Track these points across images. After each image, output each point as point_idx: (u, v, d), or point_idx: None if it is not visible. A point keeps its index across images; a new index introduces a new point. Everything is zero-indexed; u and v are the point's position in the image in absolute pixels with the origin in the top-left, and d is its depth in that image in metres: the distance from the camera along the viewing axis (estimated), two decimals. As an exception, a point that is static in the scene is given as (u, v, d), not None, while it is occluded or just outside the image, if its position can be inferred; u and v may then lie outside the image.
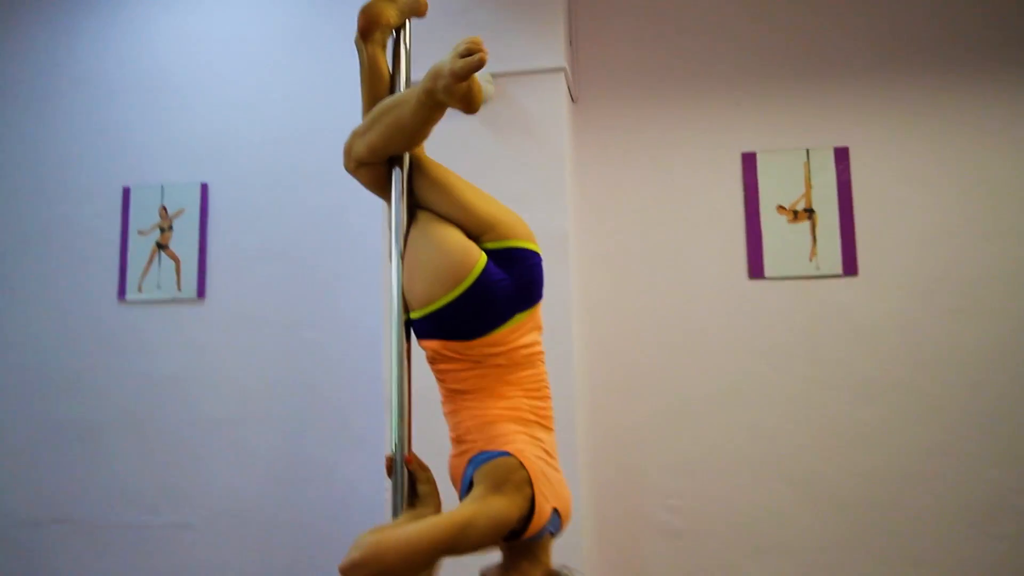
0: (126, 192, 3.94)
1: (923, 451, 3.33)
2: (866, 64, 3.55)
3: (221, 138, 3.91)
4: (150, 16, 4.06)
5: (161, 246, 3.87)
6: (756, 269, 3.50)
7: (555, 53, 3.29)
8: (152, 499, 3.74)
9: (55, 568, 3.77)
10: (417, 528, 1.47)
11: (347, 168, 1.85)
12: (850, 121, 3.53)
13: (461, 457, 1.69)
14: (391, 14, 1.89)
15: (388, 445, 1.72)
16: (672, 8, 3.71)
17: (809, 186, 3.51)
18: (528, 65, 3.28)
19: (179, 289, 3.83)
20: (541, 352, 1.75)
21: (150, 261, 3.86)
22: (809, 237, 3.48)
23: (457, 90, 1.61)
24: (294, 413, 3.68)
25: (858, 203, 3.47)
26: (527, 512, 1.56)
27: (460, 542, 1.47)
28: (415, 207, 1.79)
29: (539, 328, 1.76)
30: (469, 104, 1.66)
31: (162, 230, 3.88)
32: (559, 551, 1.70)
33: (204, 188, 3.89)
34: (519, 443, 1.61)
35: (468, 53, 1.57)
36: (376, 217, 3.54)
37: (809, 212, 3.49)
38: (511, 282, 1.67)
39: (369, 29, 1.87)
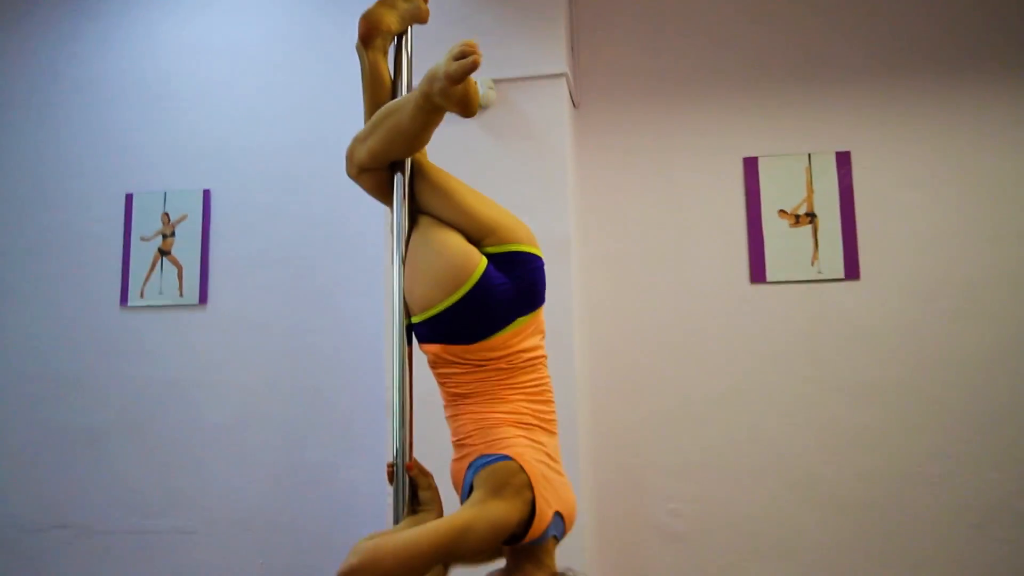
0: (128, 198, 3.95)
1: (924, 454, 3.32)
2: (867, 68, 3.56)
3: (223, 145, 3.92)
4: (152, 23, 4.08)
5: (163, 252, 3.87)
6: (758, 273, 3.50)
7: (557, 59, 3.30)
8: (154, 504, 3.74)
9: (57, 573, 3.77)
10: (415, 533, 1.47)
11: (349, 174, 1.86)
12: (852, 125, 3.54)
13: (462, 461, 1.69)
14: (392, 20, 1.89)
15: (390, 450, 1.72)
16: (673, 13, 3.72)
17: (811, 190, 3.51)
18: (530, 71, 3.29)
19: (181, 295, 3.84)
20: (544, 356, 1.75)
21: (152, 267, 3.87)
22: (811, 241, 3.48)
23: (453, 93, 1.61)
24: (296, 418, 3.68)
25: (860, 207, 3.48)
26: (527, 516, 1.56)
27: (458, 546, 1.47)
28: (416, 212, 1.79)
29: (542, 332, 1.76)
30: (466, 107, 1.66)
31: (164, 236, 3.89)
32: (560, 554, 1.70)
33: (206, 194, 3.89)
34: (519, 447, 1.61)
35: (462, 55, 1.57)
36: (377, 222, 3.55)
37: (811, 216, 3.49)
38: (512, 286, 1.67)
39: (370, 35, 1.87)
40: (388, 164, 1.80)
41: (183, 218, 3.89)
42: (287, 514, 3.63)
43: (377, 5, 1.90)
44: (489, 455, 1.60)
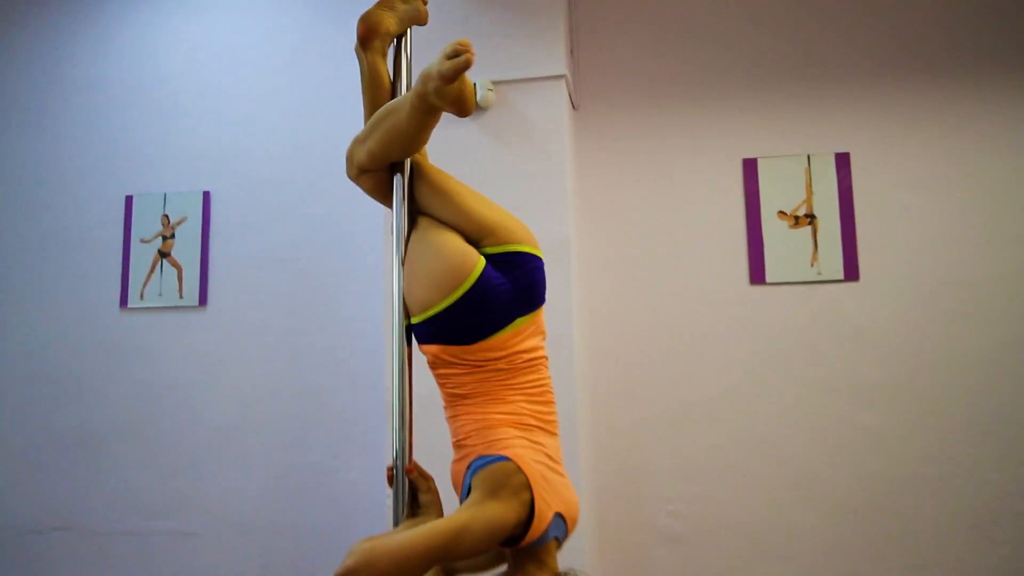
0: (128, 200, 3.95)
1: (925, 455, 3.32)
2: (867, 69, 3.56)
3: (223, 147, 3.92)
4: (152, 26, 4.08)
5: (163, 254, 3.88)
6: (757, 274, 3.50)
7: (556, 61, 3.30)
8: (154, 506, 3.74)
9: (57, 575, 3.78)
10: (411, 534, 1.47)
11: (349, 175, 1.86)
12: (851, 126, 3.54)
13: (461, 462, 1.69)
14: (390, 22, 1.89)
15: (390, 452, 1.72)
16: (672, 15, 3.72)
17: (810, 191, 3.51)
18: (529, 73, 3.29)
19: (181, 297, 3.84)
20: (544, 357, 1.75)
21: (152, 269, 3.87)
22: (810, 242, 3.48)
23: (447, 92, 1.61)
24: (296, 420, 3.69)
25: (859, 208, 3.48)
26: (526, 517, 1.56)
27: (454, 547, 1.47)
28: (416, 213, 1.79)
29: (542, 333, 1.76)
30: (461, 106, 1.67)
31: (164, 238, 3.89)
32: (560, 555, 1.69)
33: (206, 196, 3.90)
34: (517, 447, 1.61)
35: (455, 54, 1.57)
36: (376, 224, 3.55)
37: (810, 217, 3.50)
38: (510, 286, 1.67)
39: (368, 37, 1.87)
40: (387, 165, 1.80)
41: (183, 220, 3.89)
42: (287, 516, 3.63)
43: (375, 7, 1.90)
44: (487, 456, 1.60)
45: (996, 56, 3.49)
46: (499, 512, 1.52)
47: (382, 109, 1.76)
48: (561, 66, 3.29)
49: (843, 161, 3.50)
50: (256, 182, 3.87)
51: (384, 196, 1.84)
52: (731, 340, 3.49)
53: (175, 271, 3.85)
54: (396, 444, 1.69)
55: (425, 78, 1.62)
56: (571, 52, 3.56)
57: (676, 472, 3.46)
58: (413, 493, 1.69)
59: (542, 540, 1.60)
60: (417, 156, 1.82)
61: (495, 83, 3.27)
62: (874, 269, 3.43)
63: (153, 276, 3.87)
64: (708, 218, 3.58)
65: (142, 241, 3.90)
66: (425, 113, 1.66)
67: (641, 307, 3.57)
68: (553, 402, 1.74)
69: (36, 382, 3.91)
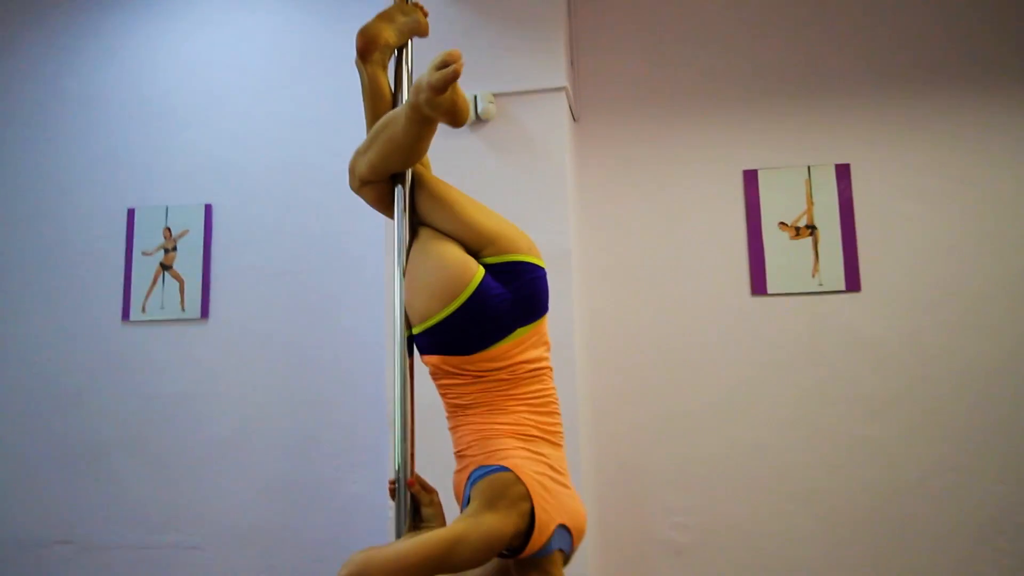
0: (130, 213, 3.96)
1: (927, 465, 3.31)
2: (867, 80, 3.57)
3: (224, 160, 3.93)
4: (154, 39, 4.10)
5: (165, 267, 3.88)
6: (759, 285, 3.50)
7: (556, 73, 3.31)
8: (157, 519, 3.74)
9: (59, 590, 3.77)
10: (407, 545, 1.47)
11: (352, 187, 1.87)
12: (851, 138, 3.54)
13: (462, 472, 1.68)
14: (390, 35, 1.90)
15: (392, 463, 1.71)
16: (672, 27, 3.73)
17: (811, 202, 3.52)
18: (530, 85, 3.30)
19: (183, 309, 3.84)
20: (548, 368, 1.75)
21: (154, 282, 3.88)
22: (811, 253, 3.48)
23: (440, 103, 1.62)
24: (298, 431, 3.68)
25: (860, 219, 3.48)
26: (525, 528, 1.55)
27: (450, 558, 1.46)
28: (418, 224, 1.80)
29: (546, 343, 1.75)
30: (455, 117, 1.67)
31: (166, 251, 3.90)
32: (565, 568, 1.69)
33: (208, 209, 3.91)
34: (517, 458, 1.60)
35: (444, 65, 1.58)
36: (377, 236, 3.56)
37: (811, 228, 3.50)
38: (511, 296, 1.67)
39: (368, 50, 1.88)
40: (389, 176, 1.81)
41: (185, 233, 3.90)
42: (290, 528, 3.62)
43: (375, 19, 1.90)
44: (487, 466, 1.60)
45: (996, 66, 3.50)
46: (496, 523, 1.51)
47: (380, 121, 1.77)
48: (561, 78, 3.31)
49: (843, 172, 3.51)
50: (258, 195, 3.88)
51: (386, 207, 1.84)
52: (732, 351, 3.49)
53: (177, 284, 3.86)
54: (398, 456, 1.69)
55: (417, 89, 1.62)
56: (571, 64, 3.58)
57: (678, 482, 3.45)
58: (415, 506, 1.69)
59: (545, 551, 1.60)
60: (419, 167, 1.83)
61: (496, 95, 3.28)
62: (875, 280, 3.43)
63: (155, 289, 3.87)
64: (709, 229, 3.58)
65: (144, 254, 3.91)
66: (419, 124, 1.67)
67: (642, 318, 3.57)
68: (558, 412, 1.73)
69: (38, 395, 3.91)
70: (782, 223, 3.52)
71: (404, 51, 1.95)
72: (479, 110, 3.24)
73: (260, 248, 3.84)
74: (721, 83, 3.67)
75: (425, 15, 1.98)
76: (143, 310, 3.87)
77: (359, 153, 1.81)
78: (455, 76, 1.57)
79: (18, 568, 3.80)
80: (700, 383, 3.49)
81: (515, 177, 3.24)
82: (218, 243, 3.89)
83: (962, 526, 3.27)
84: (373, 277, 3.64)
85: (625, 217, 3.65)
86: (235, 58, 4.02)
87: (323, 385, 3.69)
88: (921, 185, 3.47)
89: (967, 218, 3.43)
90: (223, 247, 3.88)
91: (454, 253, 1.69)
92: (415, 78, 1.93)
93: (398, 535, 1.65)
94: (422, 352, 1.73)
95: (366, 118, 1.91)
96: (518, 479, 1.56)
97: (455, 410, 1.71)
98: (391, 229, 1.81)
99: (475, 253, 1.71)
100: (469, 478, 1.63)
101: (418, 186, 1.80)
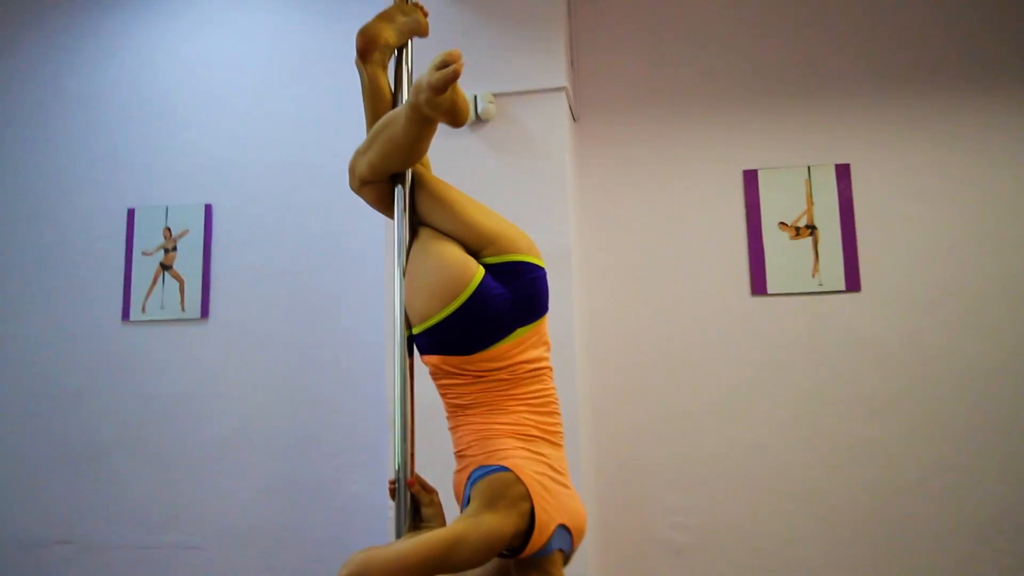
0: (131, 213, 3.96)
1: (927, 465, 3.31)
2: (867, 80, 3.57)
3: (224, 160, 3.94)
4: (154, 39, 4.10)
5: (165, 267, 3.88)
6: (759, 285, 3.50)
7: (556, 73, 3.31)
8: (157, 519, 3.74)
9: (59, 590, 3.77)
10: (406, 545, 1.47)
11: (352, 187, 1.87)
12: (851, 138, 3.55)
13: (462, 473, 1.69)
14: (389, 35, 1.90)
15: (392, 463, 1.72)
16: (673, 27, 3.73)
17: (811, 203, 3.52)
18: (530, 85, 3.30)
19: (183, 309, 3.84)
20: (548, 368, 1.75)
21: (154, 282, 3.88)
22: (811, 253, 3.48)
23: (439, 103, 1.62)
24: (299, 431, 3.68)
25: (860, 219, 3.48)
26: (525, 528, 1.55)
27: (450, 558, 1.46)
28: (418, 224, 1.80)
29: (546, 344, 1.75)
30: (454, 117, 1.67)
31: (166, 251, 3.90)
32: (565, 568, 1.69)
33: (208, 209, 3.91)
34: (516, 458, 1.60)
35: (444, 65, 1.58)
36: (377, 236, 3.56)
37: (811, 228, 3.50)
38: (510, 296, 1.67)
39: (367, 50, 1.88)
40: (389, 176, 1.81)
41: (185, 233, 3.90)
42: (290, 528, 3.62)
43: (374, 19, 1.91)
44: (486, 466, 1.60)
45: (996, 66, 3.50)
46: (495, 523, 1.51)
47: (380, 121, 1.77)
48: (561, 78, 3.31)
49: (843, 172, 3.51)
50: (258, 195, 3.88)
51: (387, 207, 1.84)
52: (732, 351, 3.49)
53: (177, 284, 3.86)
54: (398, 456, 1.69)
55: (417, 89, 1.63)
56: (571, 64, 3.58)
57: (678, 482, 3.45)
58: (415, 506, 1.69)
59: (545, 551, 1.60)
60: (419, 167, 1.83)
61: (496, 95, 3.28)
62: (875, 279, 3.43)
63: (155, 289, 3.87)
64: (709, 229, 3.58)
65: (144, 254, 3.91)
66: (419, 124, 1.67)
67: (642, 318, 3.57)
68: (558, 413, 1.73)
69: (38, 395, 3.91)
70: (782, 223, 3.52)
71: (404, 51, 1.95)
72: (479, 110, 3.24)
73: (260, 248, 3.84)
74: (721, 83, 3.67)
75: (425, 15, 1.98)
76: (143, 310, 3.87)
77: (359, 153, 1.81)
78: (455, 76, 1.57)
79: (18, 568, 3.80)
80: (700, 383, 3.49)
81: (515, 177, 3.24)
82: (218, 243, 3.89)
83: (962, 526, 3.27)
84: (373, 277, 3.64)
85: (625, 217, 3.65)
86: (235, 58, 4.02)
87: (323, 385, 3.69)
88: (921, 185, 3.48)
89: (967, 218, 3.43)
90: (223, 247, 3.88)
91: (454, 253, 1.69)
92: (415, 78, 1.94)
93: (398, 535, 1.65)
94: (422, 352, 1.73)
95: (366, 118, 1.91)
96: (518, 479, 1.56)
97: (455, 410, 1.71)
98: (391, 229, 1.81)
99: (475, 253, 1.71)
100: (469, 478, 1.63)
101: (418, 186, 1.80)
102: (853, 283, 3.44)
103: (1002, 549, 3.24)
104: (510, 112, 3.29)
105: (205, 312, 3.83)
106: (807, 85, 3.61)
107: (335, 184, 3.42)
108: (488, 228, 1.73)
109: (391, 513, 1.77)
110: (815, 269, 3.47)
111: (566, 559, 1.67)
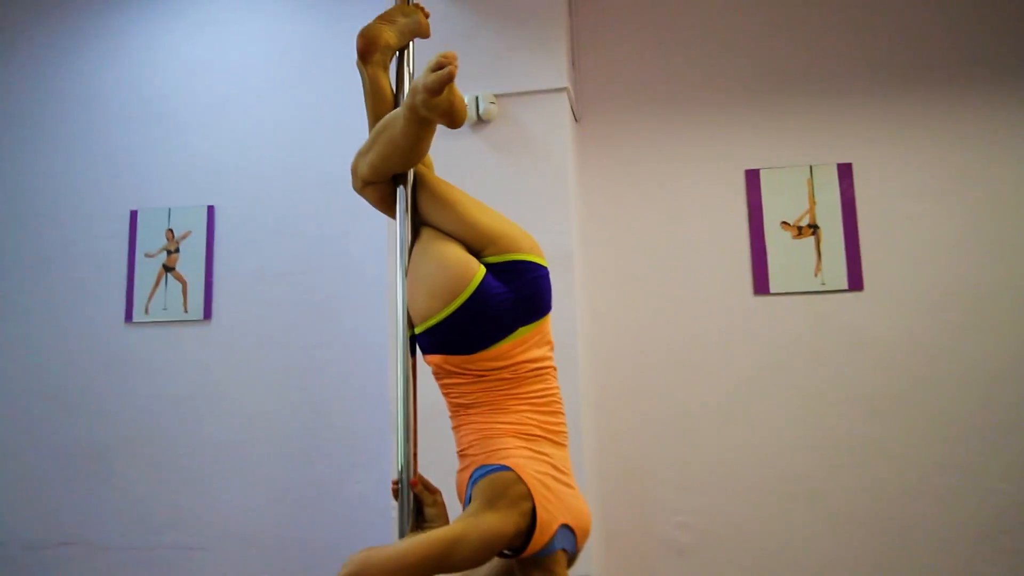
0: (133, 215, 3.97)
1: (931, 466, 3.31)
2: (869, 80, 3.57)
3: (227, 161, 3.94)
4: (156, 40, 4.11)
5: (168, 268, 3.89)
6: (761, 285, 3.50)
7: (558, 73, 3.31)
8: (159, 520, 3.74)
9: (63, 591, 3.77)
10: (406, 544, 1.47)
11: (355, 188, 1.87)
12: (853, 137, 3.54)
13: (464, 472, 1.69)
14: (390, 36, 1.90)
15: (395, 464, 1.72)
16: (674, 27, 3.73)
17: (813, 202, 3.51)
18: (531, 85, 3.30)
19: (186, 311, 3.85)
20: (552, 367, 1.75)
21: (157, 283, 3.88)
22: (814, 253, 3.48)
23: (436, 104, 1.62)
24: (301, 433, 3.69)
25: (862, 218, 3.48)
26: (526, 527, 1.55)
27: (450, 558, 1.46)
28: (420, 224, 1.80)
29: (549, 343, 1.75)
30: (451, 118, 1.67)
31: (169, 252, 3.90)
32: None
33: (211, 211, 3.91)
34: (518, 457, 1.60)
35: (439, 67, 1.58)
36: (379, 237, 3.56)
37: (813, 228, 3.50)
38: (512, 295, 1.67)
39: (368, 51, 1.88)
40: (390, 177, 1.81)
41: (187, 234, 3.91)
42: (293, 529, 3.62)
43: (375, 21, 1.91)
44: (488, 465, 1.60)
45: (998, 66, 3.50)
46: (496, 522, 1.51)
47: (380, 122, 1.78)
48: (563, 78, 3.31)
49: (845, 171, 3.51)
50: (260, 196, 3.88)
51: (389, 208, 1.85)
52: (735, 350, 3.49)
53: (180, 285, 3.86)
54: (401, 456, 1.69)
55: (413, 91, 1.63)
56: (573, 64, 3.58)
57: (680, 482, 3.45)
58: (418, 507, 1.69)
59: (548, 551, 1.59)
60: (421, 167, 1.83)
61: (497, 96, 3.28)
62: (878, 279, 3.43)
63: (158, 290, 3.88)
64: (711, 229, 3.58)
65: (147, 255, 3.92)
66: (417, 125, 1.67)
67: (645, 318, 3.57)
68: (561, 412, 1.73)
69: (41, 396, 3.92)
70: (784, 222, 3.52)
71: (405, 52, 1.95)
72: (480, 111, 3.24)
73: (263, 249, 3.85)
74: (723, 83, 3.67)
75: (426, 16, 1.98)
76: (146, 311, 3.88)
77: (361, 154, 1.82)
78: (450, 77, 1.58)
79: (21, 569, 3.80)
80: (703, 383, 3.49)
81: (517, 177, 3.25)
82: (221, 244, 3.89)
83: (965, 525, 3.26)
84: (375, 278, 3.64)
85: (627, 217, 3.65)
86: (237, 59, 4.02)
87: (326, 386, 3.69)
88: (923, 184, 3.47)
89: (969, 217, 3.43)
90: (226, 248, 3.89)
91: (455, 253, 1.70)
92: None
93: (401, 535, 1.65)
94: (424, 352, 1.73)
95: (368, 119, 1.92)
96: (519, 478, 1.56)
97: (457, 409, 1.72)
98: (393, 230, 1.81)
99: (477, 253, 1.72)
100: (471, 477, 1.63)
101: (420, 186, 1.81)
102: (856, 282, 3.44)
103: (1004, 548, 3.23)
104: (512, 113, 3.29)
105: (208, 313, 3.84)
106: (809, 84, 3.61)
107: (337, 185, 3.42)
108: (490, 227, 1.73)
109: (394, 514, 1.76)
110: (817, 268, 3.47)
111: (571, 559, 1.67)
